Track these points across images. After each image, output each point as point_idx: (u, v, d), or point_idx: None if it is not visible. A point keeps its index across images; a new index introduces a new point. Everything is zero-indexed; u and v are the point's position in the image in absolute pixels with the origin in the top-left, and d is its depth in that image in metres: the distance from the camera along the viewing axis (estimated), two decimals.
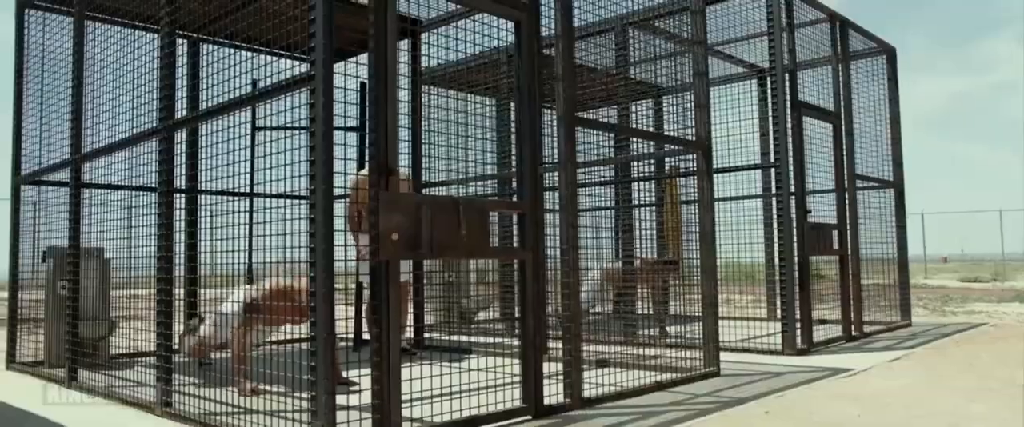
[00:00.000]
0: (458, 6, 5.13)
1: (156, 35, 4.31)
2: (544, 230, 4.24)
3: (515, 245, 4.05)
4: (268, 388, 4.35)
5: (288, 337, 5.80)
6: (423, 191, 6.59)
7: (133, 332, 5.03)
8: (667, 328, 6.43)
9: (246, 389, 4.30)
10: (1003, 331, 7.54)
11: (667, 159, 6.52)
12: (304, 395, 3.13)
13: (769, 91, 6.41)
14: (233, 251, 4.22)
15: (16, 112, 6.09)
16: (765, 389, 4.52)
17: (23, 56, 6.06)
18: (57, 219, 5.52)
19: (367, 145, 3.35)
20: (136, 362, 5.26)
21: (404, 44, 6.62)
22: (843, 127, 7.07)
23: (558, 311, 4.28)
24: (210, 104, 3.83)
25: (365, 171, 4.11)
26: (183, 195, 5.74)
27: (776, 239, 6.42)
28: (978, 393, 4.31)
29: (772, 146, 6.28)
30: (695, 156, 5.16)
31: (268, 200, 5.86)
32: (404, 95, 6.48)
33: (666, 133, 5.42)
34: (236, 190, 4.84)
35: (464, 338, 6.90)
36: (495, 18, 4.01)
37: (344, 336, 6.14)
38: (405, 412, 3.30)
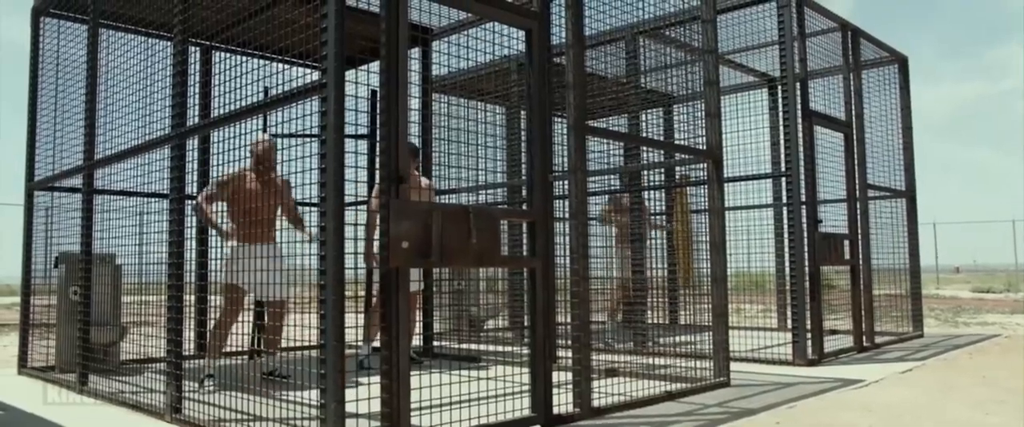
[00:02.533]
0: (469, 14, 5.16)
1: (169, 43, 4.34)
2: (554, 238, 4.24)
3: (525, 253, 4.05)
4: (272, 394, 4.36)
5: (296, 344, 5.81)
6: (434, 199, 6.60)
7: (144, 338, 5.05)
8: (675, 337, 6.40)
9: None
10: (1016, 342, 7.48)
11: (677, 168, 6.51)
12: (313, 402, 3.13)
13: (780, 100, 6.40)
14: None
15: (30, 118, 6.14)
16: (776, 400, 4.50)
17: (37, 63, 6.12)
18: (69, 225, 5.56)
19: (377, 153, 3.36)
20: (146, 368, 5.28)
21: (415, 52, 6.66)
22: (854, 136, 7.04)
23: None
24: (222, 111, 3.85)
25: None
26: (195, 201, 5.77)
27: (787, 249, 6.39)
28: (991, 405, 4.27)
29: (783, 155, 6.27)
30: (706, 165, 5.15)
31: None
32: (415, 103, 6.52)
33: (677, 142, 5.41)
34: None
35: (473, 346, 6.89)
36: (506, 26, 4.02)
37: (353, 343, 6.15)
38: (414, 421, 3.29)
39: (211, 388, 4.56)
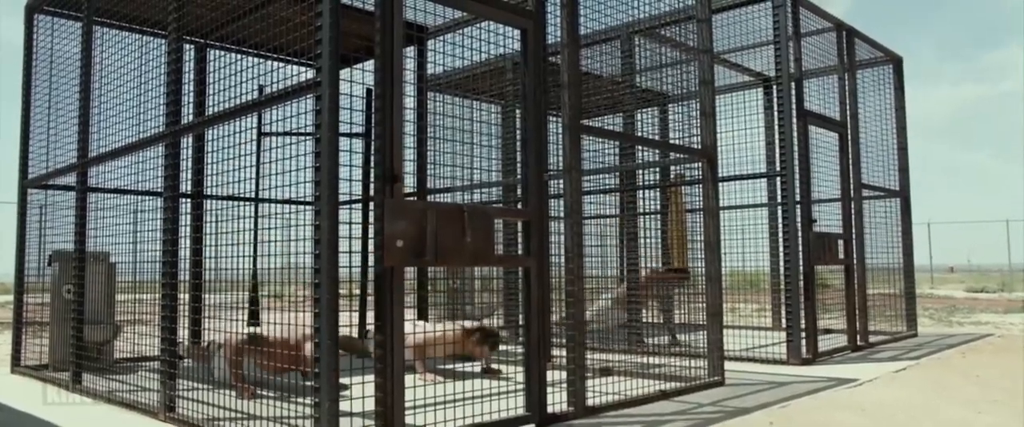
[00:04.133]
0: (464, 13, 5.15)
1: (164, 40, 4.32)
2: (549, 237, 4.24)
3: (520, 252, 4.05)
4: (267, 393, 4.35)
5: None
6: (428, 198, 6.60)
7: (137, 336, 5.04)
8: (677, 336, 6.42)
9: (244, 392, 4.31)
10: (1009, 342, 7.51)
11: (672, 167, 6.51)
12: (307, 401, 3.13)
13: (775, 100, 6.42)
14: (238, 256, 4.23)
15: (24, 116, 6.11)
16: (769, 399, 4.51)
17: (32, 61, 6.09)
18: (63, 223, 5.54)
19: (372, 151, 3.35)
20: (140, 366, 5.27)
21: (410, 51, 6.65)
22: (849, 136, 7.06)
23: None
24: (216, 109, 3.84)
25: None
26: (189, 200, 5.76)
27: (781, 248, 6.40)
28: (984, 404, 4.29)
29: (778, 155, 6.28)
30: (700, 164, 5.16)
31: (273, 205, 5.89)
32: (410, 102, 6.51)
33: (671, 141, 5.42)
34: (242, 195, 4.86)
35: None
36: (501, 25, 4.02)
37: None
38: (408, 419, 3.29)
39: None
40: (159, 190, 4.21)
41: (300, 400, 3.40)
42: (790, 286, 6.09)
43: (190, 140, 5.61)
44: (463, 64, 5.12)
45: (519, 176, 4.47)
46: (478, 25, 4.78)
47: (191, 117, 5.41)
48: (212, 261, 4.82)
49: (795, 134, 6.18)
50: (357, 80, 3.54)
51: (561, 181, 4.23)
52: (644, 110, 5.87)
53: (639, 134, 5.83)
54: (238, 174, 4.05)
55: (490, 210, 4.84)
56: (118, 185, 5.01)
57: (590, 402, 4.08)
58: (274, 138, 4.90)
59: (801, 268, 6.10)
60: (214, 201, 5.84)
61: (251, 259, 5.89)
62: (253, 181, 5.77)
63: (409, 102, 6.44)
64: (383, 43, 3.24)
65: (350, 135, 6.00)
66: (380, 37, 3.24)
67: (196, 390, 4.04)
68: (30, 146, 6.06)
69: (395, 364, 3.15)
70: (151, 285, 4.67)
